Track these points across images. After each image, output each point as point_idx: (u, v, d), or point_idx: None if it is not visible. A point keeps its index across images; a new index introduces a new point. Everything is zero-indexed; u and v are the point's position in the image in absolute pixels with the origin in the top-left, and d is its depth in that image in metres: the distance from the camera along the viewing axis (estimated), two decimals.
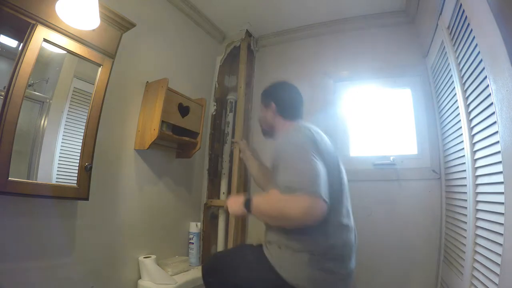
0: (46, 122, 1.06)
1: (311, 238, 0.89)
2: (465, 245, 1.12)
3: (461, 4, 1.03)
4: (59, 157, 1.09)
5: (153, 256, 1.41)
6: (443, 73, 1.41)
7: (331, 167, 0.94)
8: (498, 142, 0.84)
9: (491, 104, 0.86)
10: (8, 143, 0.89)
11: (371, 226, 1.68)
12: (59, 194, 1.06)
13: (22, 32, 0.96)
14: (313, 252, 0.88)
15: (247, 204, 0.95)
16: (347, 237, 0.96)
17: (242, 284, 0.96)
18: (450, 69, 1.25)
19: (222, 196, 1.90)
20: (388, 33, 1.86)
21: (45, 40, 1.00)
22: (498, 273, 0.82)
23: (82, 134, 1.13)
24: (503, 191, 0.81)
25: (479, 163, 1.02)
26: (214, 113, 2.01)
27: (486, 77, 0.89)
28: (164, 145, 1.60)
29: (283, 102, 1.15)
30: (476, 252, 1.02)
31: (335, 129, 1.87)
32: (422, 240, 1.56)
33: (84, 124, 1.14)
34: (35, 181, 1.01)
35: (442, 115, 1.51)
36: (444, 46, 1.29)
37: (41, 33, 0.99)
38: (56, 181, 1.07)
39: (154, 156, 1.55)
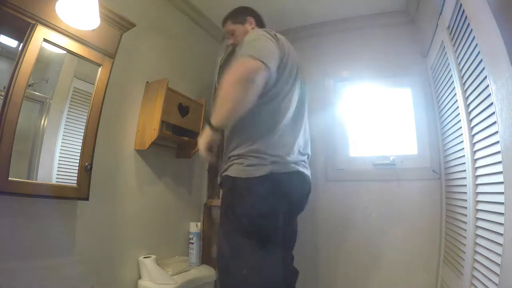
0: (46, 122, 1.06)
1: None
2: (465, 245, 1.12)
3: (461, 4, 1.03)
4: (59, 157, 1.09)
5: (153, 256, 1.41)
6: (443, 73, 1.41)
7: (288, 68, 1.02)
8: (498, 142, 0.84)
9: (491, 104, 0.86)
10: (8, 143, 0.89)
11: (371, 226, 1.68)
12: (59, 194, 1.06)
13: (22, 32, 0.96)
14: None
15: (209, 122, 0.95)
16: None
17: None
18: (450, 69, 1.25)
19: None
20: (388, 33, 1.86)
21: (45, 40, 1.00)
22: (498, 273, 0.82)
23: (82, 134, 1.13)
24: (503, 191, 0.81)
25: (479, 163, 1.02)
26: None
27: (486, 77, 0.89)
28: (164, 145, 1.60)
29: (256, 14, 1.33)
30: (476, 252, 1.02)
31: (335, 129, 1.87)
32: (422, 240, 1.56)
33: (84, 124, 1.14)
34: (35, 181, 1.01)
35: (442, 115, 1.51)
36: (444, 46, 1.29)
37: (41, 33, 0.99)
38: (56, 181, 1.07)
39: (154, 156, 1.55)
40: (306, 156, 1.11)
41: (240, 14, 1.33)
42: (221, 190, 1.09)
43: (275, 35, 1.02)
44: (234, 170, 0.97)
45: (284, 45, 1.03)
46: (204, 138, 0.97)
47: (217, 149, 1.02)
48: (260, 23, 1.33)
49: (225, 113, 0.92)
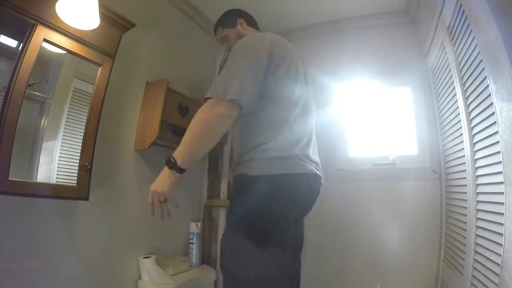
0: (46, 122, 1.06)
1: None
2: (465, 245, 1.12)
3: (461, 4, 1.03)
4: (59, 157, 1.09)
5: (153, 256, 1.41)
6: (443, 73, 1.41)
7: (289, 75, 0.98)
8: (498, 142, 0.84)
9: (491, 104, 0.86)
10: (8, 143, 0.89)
11: (371, 226, 1.68)
12: (59, 194, 1.06)
13: (22, 32, 0.96)
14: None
15: (169, 162, 0.89)
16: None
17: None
18: (450, 69, 1.25)
19: (222, 196, 1.90)
20: (388, 33, 1.86)
21: (45, 40, 1.00)
22: (498, 273, 0.82)
23: (82, 134, 1.12)
24: (503, 191, 0.81)
25: (479, 163, 1.02)
26: None
27: (486, 77, 0.89)
28: (164, 145, 1.60)
29: (247, 15, 1.28)
30: (476, 252, 1.02)
31: (335, 129, 1.87)
32: (422, 240, 1.56)
33: (84, 124, 1.13)
34: (35, 181, 1.01)
35: (442, 115, 1.51)
36: (444, 46, 1.29)
37: (41, 33, 0.99)
38: (56, 181, 1.07)
39: (154, 156, 1.55)
40: (317, 163, 1.08)
41: (230, 18, 1.29)
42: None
43: (271, 39, 0.99)
44: (245, 171, 0.93)
45: (280, 47, 1.00)
46: (169, 183, 0.89)
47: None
48: (251, 23, 1.29)
49: (195, 145, 0.92)
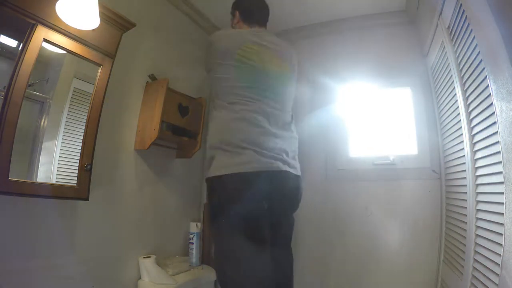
0: (46, 122, 1.06)
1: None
2: (465, 245, 1.12)
3: (461, 4, 1.03)
4: (59, 157, 1.09)
5: (153, 256, 1.41)
6: (443, 73, 1.41)
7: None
8: (498, 142, 0.84)
9: (491, 104, 0.86)
10: (8, 143, 0.89)
11: (371, 226, 1.68)
12: (59, 194, 1.06)
13: (22, 32, 0.96)
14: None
15: None
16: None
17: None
18: (450, 69, 1.25)
19: None
20: (388, 33, 1.86)
21: (45, 40, 1.00)
22: (498, 273, 0.82)
23: (82, 134, 1.12)
24: (503, 191, 0.81)
25: (479, 163, 1.02)
26: None
27: (486, 77, 0.89)
28: (164, 145, 1.60)
29: (244, 8, 1.30)
30: (476, 252, 1.02)
31: (335, 129, 1.87)
32: (422, 240, 1.56)
33: (84, 124, 1.13)
34: (35, 181, 1.01)
35: (442, 115, 1.51)
36: (444, 46, 1.29)
37: (41, 33, 0.98)
38: (56, 181, 1.07)
39: (154, 156, 1.55)
40: (286, 154, 1.09)
41: (232, 7, 1.35)
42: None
43: (225, 36, 1.16)
44: (211, 170, 1.01)
45: (227, 43, 1.13)
46: None
47: None
48: (246, 19, 1.28)
49: None
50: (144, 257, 1.40)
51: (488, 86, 0.87)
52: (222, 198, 1.00)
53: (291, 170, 1.08)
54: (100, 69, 1.18)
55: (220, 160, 1.01)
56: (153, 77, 1.53)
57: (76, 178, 1.10)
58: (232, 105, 1.07)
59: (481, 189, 1.01)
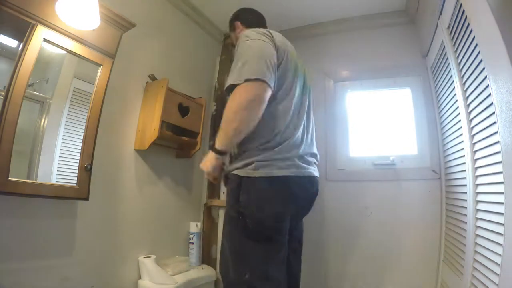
0: (46, 122, 1.06)
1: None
2: (465, 245, 1.12)
3: (461, 4, 1.03)
4: (59, 157, 1.09)
5: (153, 256, 1.41)
6: (443, 73, 1.41)
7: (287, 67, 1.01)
8: (498, 142, 0.84)
9: (491, 104, 0.86)
10: (8, 143, 0.89)
11: (371, 226, 1.68)
12: (59, 194, 1.06)
13: (22, 32, 0.96)
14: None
15: (212, 147, 0.96)
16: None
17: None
18: (450, 69, 1.25)
19: (222, 196, 1.90)
20: (388, 33, 1.86)
21: (45, 40, 1.00)
22: (498, 273, 0.82)
23: (82, 134, 1.13)
24: (503, 191, 0.81)
25: (479, 163, 1.02)
26: (214, 113, 2.01)
27: (486, 77, 0.89)
28: (164, 145, 1.60)
29: (246, 16, 1.32)
30: (476, 252, 1.02)
31: (335, 129, 1.87)
32: (422, 240, 1.56)
33: (84, 124, 1.14)
34: (35, 181, 1.01)
35: (442, 115, 1.51)
36: (444, 46, 1.29)
37: (41, 33, 0.99)
38: (56, 181, 1.07)
39: (154, 156, 1.55)
40: (315, 157, 1.10)
41: (230, 22, 1.35)
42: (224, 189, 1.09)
43: (269, 33, 1.01)
44: (243, 169, 0.95)
45: (280, 42, 1.02)
46: (210, 164, 0.97)
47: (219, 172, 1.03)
48: (249, 24, 1.27)
49: (230, 136, 0.91)
50: (144, 257, 1.40)
51: (488, 86, 0.87)
52: (253, 199, 0.93)
53: (316, 174, 1.08)
54: (100, 69, 1.18)
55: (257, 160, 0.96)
56: (153, 77, 1.53)
57: (76, 178, 1.10)
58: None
59: (481, 189, 1.01)
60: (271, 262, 0.91)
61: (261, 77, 0.88)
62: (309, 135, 1.09)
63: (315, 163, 1.09)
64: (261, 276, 0.89)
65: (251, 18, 1.32)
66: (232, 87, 0.90)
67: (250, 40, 0.97)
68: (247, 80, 0.88)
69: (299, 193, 0.99)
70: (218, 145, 0.94)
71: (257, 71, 0.89)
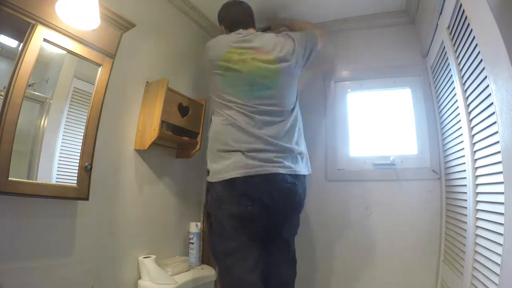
0: (46, 122, 1.06)
1: None
2: (465, 245, 1.12)
3: (461, 4, 1.03)
4: (59, 157, 1.09)
5: (153, 256, 1.41)
6: (443, 73, 1.41)
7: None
8: (498, 142, 0.84)
9: (491, 104, 0.86)
10: (8, 143, 0.89)
11: (371, 226, 1.68)
12: (59, 194, 1.06)
13: (22, 32, 0.95)
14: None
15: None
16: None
17: None
18: (450, 69, 1.25)
19: None
20: (388, 33, 1.86)
21: (45, 40, 1.00)
22: (498, 273, 0.82)
23: (82, 134, 1.12)
24: (503, 191, 0.81)
25: (479, 163, 1.02)
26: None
27: (486, 77, 0.89)
28: (164, 145, 1.60)
29: (226, 19, 1.42)
30: (476, 252, 1.02)
31: (335, 129, 1.87)
32: (422, 240, 1.56)
33: (84, 124, 1.13)
34: (35, 181, 1.00)
35: (442, 115, 1.51)
36: (444, 46, 1.29)
37: (41, 33, 0.98)
38: (56, 181, 1.07)
39: (154, 156, 1.55)
40: (281, 152, 1.10)
41: (218, 21, 1.49)
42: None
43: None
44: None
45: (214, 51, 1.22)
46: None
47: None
48: (231, 27, 1.38)
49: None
50: (144, 257, 1.40)
51: (488, 86, 0.87)
52: (212, 200, 1.11)
53: (284, 171, 1.07)
54: (100, 69, 1.18)
55: (210, 165, 1.13)
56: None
57: (76, 178, 1.10)
58: (221, 110, 1.17)
59: (481, 189, 1.01)
60: (235, 263, 1.06)
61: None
62: (277, 128, 1.13)
63: (276, 160, 1.08)
64: (229, 275, 1.07)
65: (232, 18, 1.42)
66: None
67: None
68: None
69: (252, 191, 1.05)
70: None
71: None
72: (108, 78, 1.20)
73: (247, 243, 1.06)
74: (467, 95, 1.09)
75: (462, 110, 1.15)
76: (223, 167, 1.05)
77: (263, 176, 1.04)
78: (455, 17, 1.11)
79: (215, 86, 1.22)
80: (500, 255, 0.82)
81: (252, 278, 1.01)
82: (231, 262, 1.05)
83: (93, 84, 1.17)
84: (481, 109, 0.97)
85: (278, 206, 1.10)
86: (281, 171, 1.07)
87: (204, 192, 1.92)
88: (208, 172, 1.14)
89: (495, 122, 0.84)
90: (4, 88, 0.91)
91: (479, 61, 0.94)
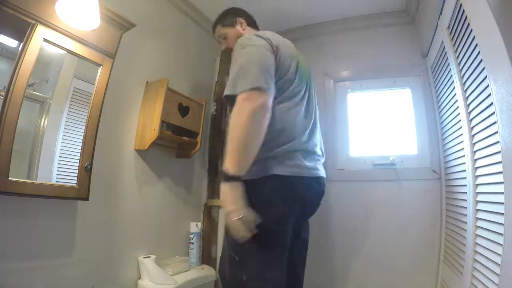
0: (46, 122, 1.06)
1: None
2: (465, 245, 1.12)
3: (461, 4, 1.03)
4: (59, 157, 1.09)
5: (153, 256, 1.41)
6: (443, 73, 1.41)
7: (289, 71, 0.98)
8: (498, 142, 0.84)
9: (491, 104, 0.86)
10: (8, 143, 0.89)
11: (371, 226, 1.68)
12: (59, 194, 1.06)
13: (22, 32, 0.96)
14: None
15: (225, 176, 0.82)
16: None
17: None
18: (450, 69, 1.25)
19: None
20: (388, 33, 1.86)
21: (45, 40, 1.00)
22: (498, 273, 0.82)
23: (82, 134, 1.12)
24: (503, 191, 0.81)
25: (479, 163, 1.02)
26: (214, 113, 2.01)
27: (486, 77, 0.89)
28: (164, 145, 1.60)
29: (246, 14, 1.29)
30: (476, 252, 1.02)
31: (335, 129, 1.87)
32: (422, 240, 1.56)
33: (84, 124, 1.14)
34: (35, 181, 1.00)
35: (442, 115, 1.51)
36: (444, 46, 1.29)
37: (41, 33, 0.99)
38: (56, 181, 1.07)
39: (154, 156, 1.55)
40: (322, 157, 1.09)
41: (230, 16, 1.26)
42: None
43: (269, 38, 0.96)
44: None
45: (281, 42, 0.99)
46: (234, 201, 0.81)
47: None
48: (251, 23, 1.27)
49: (242, 157, 0.82)
50: (144, 257, 1.40)
51: (488, 86, 0.87)
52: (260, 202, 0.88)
53: (323, 175, 1.05)
54: (100, 69, 1.18)
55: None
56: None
57: (76, 178, 1.10)
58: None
59: (481, 189, 1.01)
60: (271, 266, 0.89)
61: (258, 85, 0.83)
62: (318, 134, 1.08)
63: (320, 164, 1.06)
64: (259, 278, 0.87)
65: (252, 19, 1.30)
66: (229, 97, 0.87)
67: (249, 46, 0.93)
68: (244, 91, 0.83)
69: (305, 195, 0.96)
70: (232, 170, 0.81)
71: (257, 79, 0.84)
72: (108, 78, 1.20)
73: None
74: (467, 95, 1.09)
75: (462, 110, 1.15)
76: (274, 164, 0.92)
77: (317, 179, 1.01)
78: (455, 17, 1.11)
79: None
80: (500, 255, 0.82)
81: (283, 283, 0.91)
82: (272, 270, 0.87)
83: (93, 84, 1.17)
84: (481, 109, 0.97)
85: (312, 208, 1.10)
86: (322, 174, 1.05)
87: (205, 192, 1.95)
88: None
89: (495, 122, 0.84)
90: (4, 88, 0.91)
91: (479, 61, 0.94)
